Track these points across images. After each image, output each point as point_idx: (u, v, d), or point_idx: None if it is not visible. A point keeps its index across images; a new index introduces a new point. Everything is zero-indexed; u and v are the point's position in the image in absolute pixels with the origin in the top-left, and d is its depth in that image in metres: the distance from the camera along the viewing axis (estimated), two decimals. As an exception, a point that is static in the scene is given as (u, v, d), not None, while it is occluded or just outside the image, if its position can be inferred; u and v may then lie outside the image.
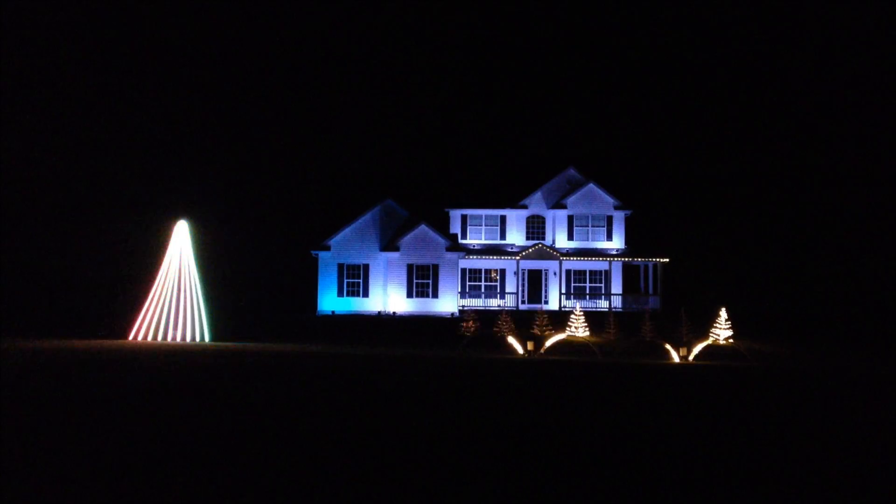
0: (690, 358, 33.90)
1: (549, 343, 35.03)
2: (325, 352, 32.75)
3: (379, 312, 45.43)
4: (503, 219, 49.52)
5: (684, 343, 34.37)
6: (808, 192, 64.76)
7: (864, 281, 54.84)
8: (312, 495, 9.78)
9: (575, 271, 48.85)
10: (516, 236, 49.40)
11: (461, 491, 10.12)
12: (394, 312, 45.21)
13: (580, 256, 47.50)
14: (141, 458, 11.47)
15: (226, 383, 20.91)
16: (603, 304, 47.36)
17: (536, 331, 35.61)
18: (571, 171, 50.10)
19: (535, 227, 49.71)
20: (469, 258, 47.08)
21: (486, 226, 49.47)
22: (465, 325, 35.76)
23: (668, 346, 34.38)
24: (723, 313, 35.10)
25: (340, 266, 46.23)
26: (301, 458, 11.74)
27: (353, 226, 46.41)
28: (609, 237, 48.85)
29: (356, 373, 24.48)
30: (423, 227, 45.75)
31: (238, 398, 17.90)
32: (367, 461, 11.56)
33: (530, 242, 48.57)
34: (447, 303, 45.56)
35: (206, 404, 16.92)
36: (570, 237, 48.81)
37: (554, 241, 48.83)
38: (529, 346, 34.39)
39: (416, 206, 48.49)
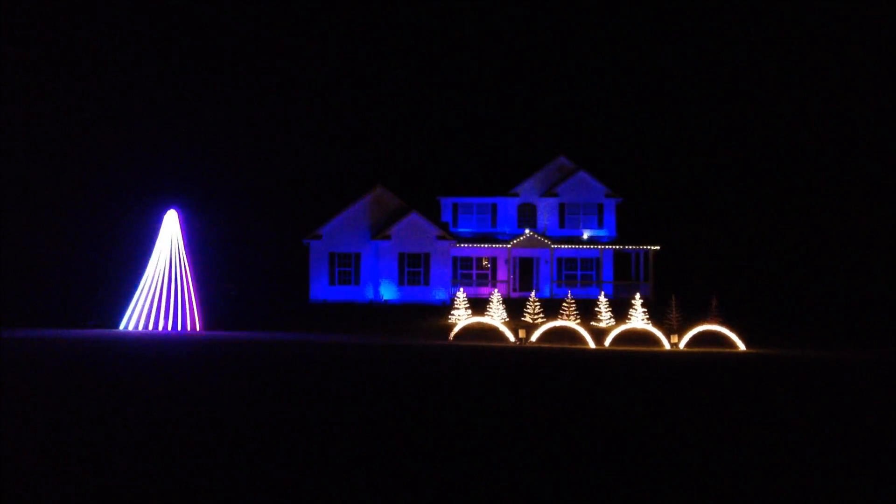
0: (681, 345, 34.03)
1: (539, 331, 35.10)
2: (316, 341, 32.73)
3: (370, 300, 45.42)
4: (494, 207, 49.51)
5: (675, 330, 34.54)
6: (799, 179, 64.93)
7: (856, 270, 55.00)
8: (302, 486, 9.79)
9: (566, 259, 48.90)
10: (507, 224, 49.40)
11: (453, 483, 10.15)
12: (385, 300, 45.21)
13: (571, 244, 47.56)
14: (130, 450, 11.47)
15: (218, 373, 20.90)
16: (594, 292, 47.43)
17: (528, 318, 35.73)
18: (562, 160, 50.08)
19: (527, 215, 49.70)
20: (460, 246, 47.05)
21: (477, 214, 49.45)
22: (456, 312, 35.83)
23: (659, 334, 34.50)
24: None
25: (332, 255, 46.16)
26: (288, 448, 11.74)
27: (345, 214, 46.32)
28: (600, 225, 48.90)
29: (346, 361, 24.48)
30: (414, 216, 45.69)
31: (229, 389, 17.89)
32: (354, 452, 11.58)
33: (522, 230, 48.55)
34: (438, 291, 45.57)
35: (197, 395, 16.90)
36: (562, 225, 48.83)
37: (545, 229, 48.85)
38: (521, 333, 34.48)
39: (407, 195, 48.37)
